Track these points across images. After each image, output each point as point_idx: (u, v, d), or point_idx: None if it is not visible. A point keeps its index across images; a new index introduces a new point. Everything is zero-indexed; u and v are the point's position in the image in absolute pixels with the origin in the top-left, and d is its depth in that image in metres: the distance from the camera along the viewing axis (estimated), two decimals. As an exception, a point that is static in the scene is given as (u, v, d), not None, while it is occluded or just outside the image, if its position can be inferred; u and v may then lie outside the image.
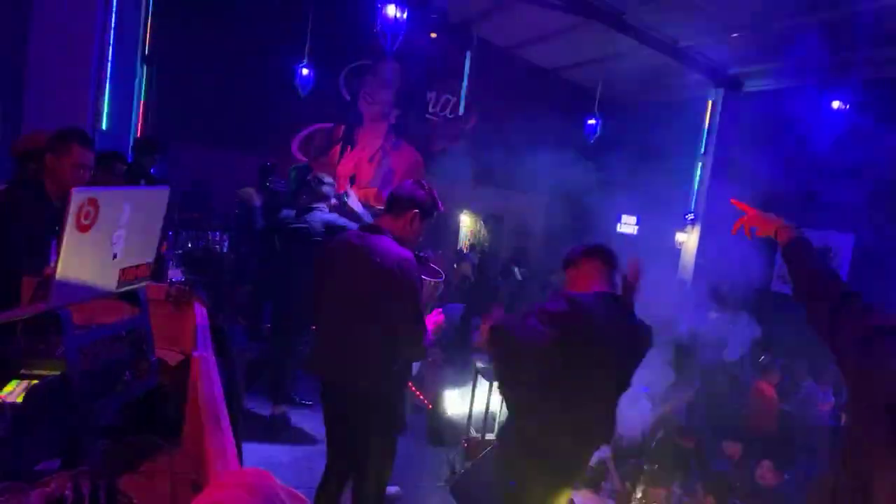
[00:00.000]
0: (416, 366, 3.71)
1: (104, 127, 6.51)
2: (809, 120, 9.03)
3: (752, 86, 10.73)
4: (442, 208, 3.00)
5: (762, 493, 4.44)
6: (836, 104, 8.25)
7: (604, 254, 2.65)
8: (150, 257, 1.84)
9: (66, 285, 1.47)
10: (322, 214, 4.72)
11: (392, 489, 4.20)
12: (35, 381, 1.75)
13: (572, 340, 2.26)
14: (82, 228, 1.47)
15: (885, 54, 8.26)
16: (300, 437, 4.72)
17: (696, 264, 10.96)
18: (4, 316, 1.54)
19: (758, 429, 5.88)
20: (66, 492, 1.22)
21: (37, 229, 2.78)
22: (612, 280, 2.61)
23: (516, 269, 9.87)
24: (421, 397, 5.79)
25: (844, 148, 8.62)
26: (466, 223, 14.04)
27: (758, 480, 4.55)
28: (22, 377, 1.87)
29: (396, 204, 2.92)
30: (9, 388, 1.77)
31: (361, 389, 2.83)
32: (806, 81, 9.29)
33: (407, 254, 2.79)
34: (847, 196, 8.44)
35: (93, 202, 1.47)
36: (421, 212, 2.91)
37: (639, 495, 4.16)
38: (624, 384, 2.58)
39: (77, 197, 1.43)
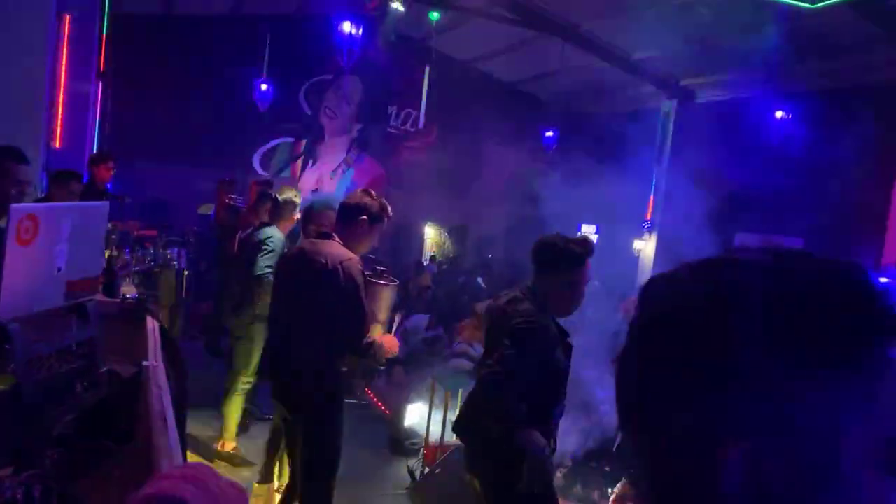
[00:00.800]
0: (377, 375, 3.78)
1: (58, 145, 6.45)
2: (758, 129, 9.37)
3: (703, 97, 11.08)
4: (390, 214, 3.11)
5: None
6: (779, 114, 8.58)
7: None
8: (95, 271, 1.89)
9: (12, 298, 1.51)
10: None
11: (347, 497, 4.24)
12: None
13: None
14: (22, 242, 1.52)
15: (826, 67, 8.65)
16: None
17: (654, 272, 11.21)
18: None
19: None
20: (18, 495, 1.27)
21: None
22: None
23: (479, 280, 9.98)
24: (381, 406, 5.84)
25: (791, 155, 8.97)
26: (430, 235, 14.14)
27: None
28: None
29: (346, 212, 3.06)
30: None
31: (303, 388, 2.92)
32: (753, 93, 9.65)
33: (350, 256, 2.90)
34: (795, 201, 8.77)
35: (32, 217, 1.53)
36: (369, 218, 3.04)
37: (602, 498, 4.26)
38: None
39: (16, 213, 1.49)
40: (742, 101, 10.14)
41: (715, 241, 10.44)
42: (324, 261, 2.88)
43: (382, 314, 3.12)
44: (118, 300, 2.58)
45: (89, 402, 1.85)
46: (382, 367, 5.27)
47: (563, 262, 2.63)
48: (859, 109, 7.17)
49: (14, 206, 1.44)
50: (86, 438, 1.76)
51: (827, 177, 8.14)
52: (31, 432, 1.59)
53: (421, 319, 7.39)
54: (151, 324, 2.26)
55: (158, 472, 1.16)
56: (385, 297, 3.15)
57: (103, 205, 1.83)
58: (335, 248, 2.93)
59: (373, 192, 3.12)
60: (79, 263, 1.70)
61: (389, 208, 3.12)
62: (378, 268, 3.28)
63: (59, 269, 1.64)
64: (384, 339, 3.05)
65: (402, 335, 6.73)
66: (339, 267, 2.85)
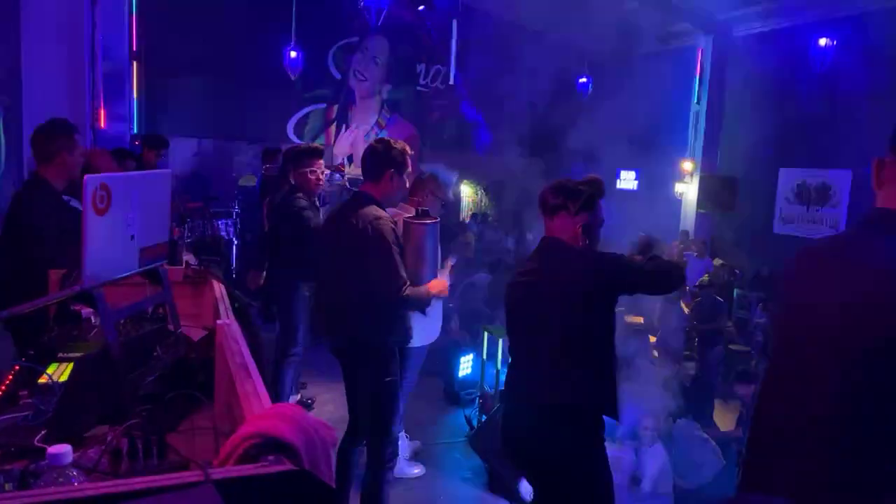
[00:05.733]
0: (435, 334, 3.85)
1: (103, 125, 6.62)
2: (799, 60, 9.04)
3: (741, 30, 10.70)
4: (410, 153, 3.14)
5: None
6: (823, 41, 8.25)
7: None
8: (164, 237, 1.97)
9: (93, 266, 1.60)
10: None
11: (415, 443, 4.39)
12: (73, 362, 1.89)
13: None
14: (99, 212, 1.59)
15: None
16: (324, 415, 4.89)
17: (697, 213, 11.05)
18: (44, 300, 1.67)
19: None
20: (122, 446, 1.37)
21: (48, 223, 2.91)
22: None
23: (530, 236, 9.94)
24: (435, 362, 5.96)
25: (835, 85, 8.64)
26: (467, 193, 14.11)
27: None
28: (60, 360, 2.03)
29: (372, 169, 3.08)
30: (50, 370, 1.92)
31: (354, 344, 3.03)
32: (794, 22, 9.28)
33: (380, 215, 2.97)
34: (841, 133, 8.48)
35: (105, 187, 1.60)
36: (396, 169, 3.08)
37: None
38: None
39: (90, 183, 1.56)
40: (782, 31, 9.77)
41: (761, 178, 10.25)
42: (355, 222, 2.96)
43: (427, 254, 3.11)
44: (182, 267, 2.69)
45: (168, 362, 1.95)
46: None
47: (571, 207, 2.52)
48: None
49: (88, 176, 1.51)
50: (170, 396, 1.86)
51: (875, 104, 7.84)
52: (120, 391, 1.69)
53: (483, 279, 7.43)
54: (218, 287, 2.35)
55: (250, 415, 1.23)
56: (422, 236, 3.14)
57: (167, 173, 1.90)
58: (367, 208, 3.00)
59: (388, 140, 3.13)
60: (149, 230, 1.78)
61: (408, 147, 3.15)
62: (421, 208, 3.29)
63: (133, 237, 1.72)
64: (433, 283, 3.09)
65: (462, 291, 6.80)
66: (368, 227, 2.92)
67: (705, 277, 8.18)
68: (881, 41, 7.72)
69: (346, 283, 3.05)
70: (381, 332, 3.04)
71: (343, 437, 3.31)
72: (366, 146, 3.20)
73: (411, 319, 3.17)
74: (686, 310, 7.19)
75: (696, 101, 11.12)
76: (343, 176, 7.77)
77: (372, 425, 3.10)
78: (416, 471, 4.19)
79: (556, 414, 2.43)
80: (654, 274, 2.54)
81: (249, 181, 8.46)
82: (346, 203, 3.26)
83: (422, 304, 3.08)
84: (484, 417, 4.63)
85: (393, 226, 3.00)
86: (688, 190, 11.26)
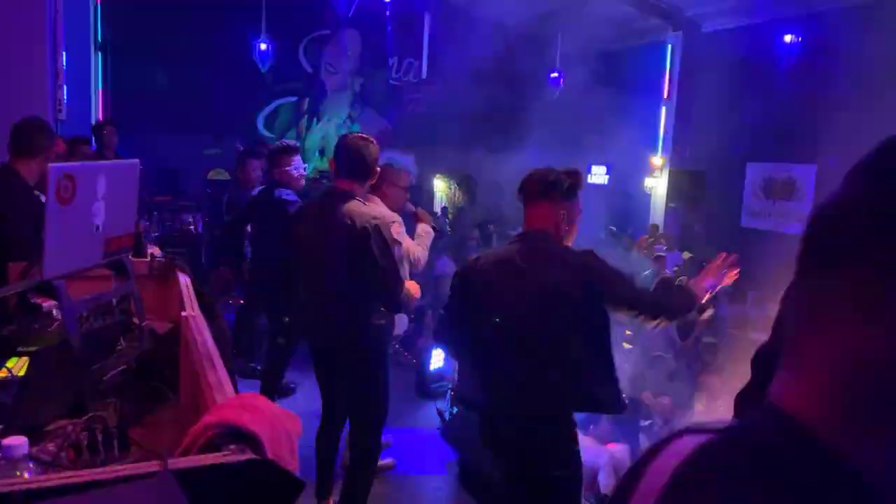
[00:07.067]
0: (403, 327, 3.84)
1: (64, 117, 6.47)
2: (766, 56, 9.19)
3: (709, 26, 10.84)
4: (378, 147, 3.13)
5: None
6: (788, 38, 8.40)
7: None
8: (129, 228, 1.94)
9: (55, 256, 1.56)
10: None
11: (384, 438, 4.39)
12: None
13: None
14: (62, 202, 1.56)
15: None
16: (293, 405, 4.87)
17: (667, 207, 11.20)
18: (3, 291, 1.63)
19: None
20: (82, 438, 1.34)
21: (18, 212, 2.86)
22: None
23: (491, 227, 9.99)
24: (407, 356, 5.96)
25: (800, 80, 8.81)
26: (440, 187, 14.09)
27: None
28: (20, 354, 1.98)
29: (360, 169, 3.03)
30: (10, 363, 1.88)
31: (346, 344, 2.99)
32: (761, 18, 9.43)
33: (377, 213, 2.94)
34: (807, 128, 8.64)
35: (69, 177, 1.57)
36: (377, 169, 3.14)
37: None
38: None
39: (54, 172, 1.52)
40: (749, 27, 9.92)
41: (729, 172, 10.41)
42: (350, 221, 2.88)
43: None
44: (147, 259, 2.64)
45: (132, 355, 1.92)
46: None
47: (555, 195, 2.55)
48: (869, 31, 7.01)
49: (52, 165, 1.48)
50: (133, 389, 1.83)
51: (839, 101, 8.00)
52: (81, 384, 1.66)
53: (450, 268, 7.39)
54: (183, 279, 2.32)
55: (214, 405, 1.22)
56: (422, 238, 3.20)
57: (134, 163, 1.87)
58: (362, 207, 2.95)
59: (372, 140, 3.11)
60: (114, 221, 1.75)
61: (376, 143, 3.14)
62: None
63: (98, 227, 1.68)
64: (409, 284, 3.10)
65: (433, 281, 6.80)
66: (367, 226, 2.86)
67: (676, 269, 8.30)
68: (843, 39, 7.88)
69: (336, 284, 2.97)
70: (374, 332, 3.03)
71: (320, 429, 3.31)
72: (344, 141, 3.10)
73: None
74: None
75: (665, 96, 11.24)
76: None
77: (362, 422, 3.10)
78: (387, 462, 4.19)
79: (541, 417, 2.43)
80: (656, 296, 2.53)
81: (219, 175, 8.35)
82: (324, 200, 3.14)
83: (410, 305, 3.12)
84: (455, 410, 4.65)
85: (390, 224, 2.99)
86: (657, 184, 11.39)
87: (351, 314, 2.95)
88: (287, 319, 4.33)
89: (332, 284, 2.97)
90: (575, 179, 2.61)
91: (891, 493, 0.44)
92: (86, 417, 1.36)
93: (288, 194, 4.44)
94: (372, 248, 2.84)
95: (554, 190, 2.54)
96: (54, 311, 2.25)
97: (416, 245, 3.41)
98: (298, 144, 5.18)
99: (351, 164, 3.03)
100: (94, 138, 5.93)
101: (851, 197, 0.50)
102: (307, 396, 4.55)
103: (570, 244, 2.61)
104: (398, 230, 3.12)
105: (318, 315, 3.07)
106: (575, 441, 2.48)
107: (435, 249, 4.27)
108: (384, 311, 3.07)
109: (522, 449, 2.48)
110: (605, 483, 3.76)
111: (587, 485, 3.53)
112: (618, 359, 2.52)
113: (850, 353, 0.46)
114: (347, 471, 3.18)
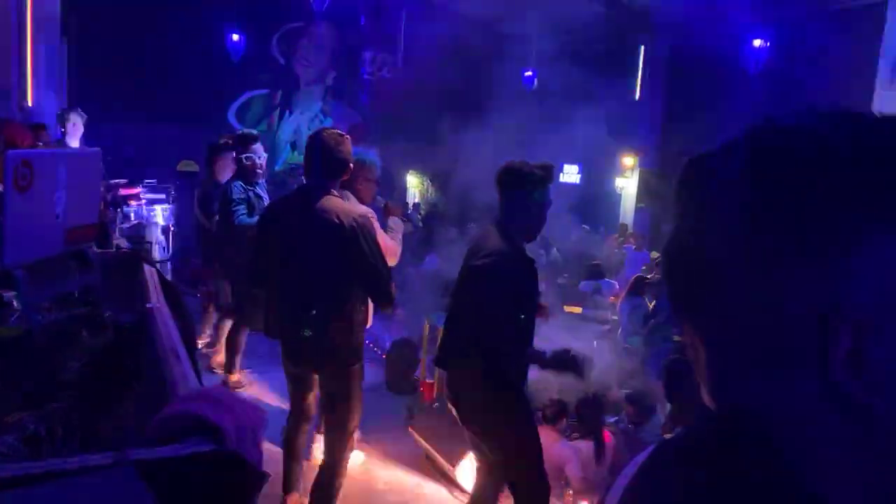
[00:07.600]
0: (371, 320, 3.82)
1: (30, 103, 6.33)
2: (736, 59, 9.35)
3: (682, 29, 10.99)
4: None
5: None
6: (757, 42, 8.56)
7: None
8: (93, 219, 1.91)
9: (14, 245, 1.53)
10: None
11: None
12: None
13: None
14: (20, 188, 1.53)
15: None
16: (263, 398, 4.83)
17: (637, 207, 11.35)
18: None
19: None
20: (40, 430, 1.32)
21: None
22: None
23: (472, 225, 10.01)
24: (376, 350, 5.95)
25: (770, 82, 8.98)
26: (413, 183, 14.08)
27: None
28: (-22, 346, 1.94)
29: (338, 168, 2.99)
30: (-33, 354, 1.84)
31: (328, 345, 2.95)
32: (730, 22, 9.58)
33: (362, 210, 2.93)
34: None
35: (27, 163, 1.54)
36: (352, 165, 3.09)
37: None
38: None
39: (11, 159, 1.49)
40: (721, 32, 10.09)
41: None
42: (336, 219, 2.83)
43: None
44: (112, 250, 2.60)
45: (95, 346, 1.89)
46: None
47: (528, 185, 2.75)
48: (837, 33, 7.18)
49: (9, 152, 1.45)
50: (96, 381, 1.80)
51: (808, 104, 8.18)
52: (41, 376, 1.63)
53: (433, 265, 7.39)
54: (149, 270, 2.28)
55: (178, 397, 1.21)
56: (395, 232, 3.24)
57: (96, 151, 1.83)
58: (343, 205, 2.92)
59: (347, 138, 3.06)
60: (76, 210, 1.72)
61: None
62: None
63: (58, 216, 1.65)
64: None
65: (423, 276, 6.79)
66: (354, 224, 2.82)
67: (644, 269, 8.40)
68: (810, 43, 8.06)
69: (322, 283, 2.91)
70: (358, 333, 3.01)
71: (290, 424, 3.29)
72: (318, 138, 3.01)
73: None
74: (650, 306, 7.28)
75: (637, 98, 11.38)
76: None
77: (338, 421, 3.08)
78: (354, 457, 4.17)
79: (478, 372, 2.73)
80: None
81: (189, 167, 8.23)
82: (300, 198, 3.04)
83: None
84: (424, 405, 4.65)
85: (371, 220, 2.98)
86: (627, 184, 11.54)
87: (337, 312, 2.92)
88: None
89: (318, 283, 2.92)
90: (546, 173, 2.79)
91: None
92: (44, 409, 1.34)
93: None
94: (362, 247, 2.83)
95: (525, 182, 2.76)
96: (15, 303, 2.20)
97: (390, 239, 3.40)
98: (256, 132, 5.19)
99: (327, 161, 2.98)
100: (59, 126, 5.79)
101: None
102: (278, 389, 4.52)
103: (536, 232, 2.90)
104: (375, 225, 3.10)
105: (300, 314, 2.98)
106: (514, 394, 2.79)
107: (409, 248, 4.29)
108: (363, 307, 3.05)
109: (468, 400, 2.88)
110: (574, 474, 3.81)
111: (554, 475, 3.57)
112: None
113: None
114: (320, 467, 3.16)
